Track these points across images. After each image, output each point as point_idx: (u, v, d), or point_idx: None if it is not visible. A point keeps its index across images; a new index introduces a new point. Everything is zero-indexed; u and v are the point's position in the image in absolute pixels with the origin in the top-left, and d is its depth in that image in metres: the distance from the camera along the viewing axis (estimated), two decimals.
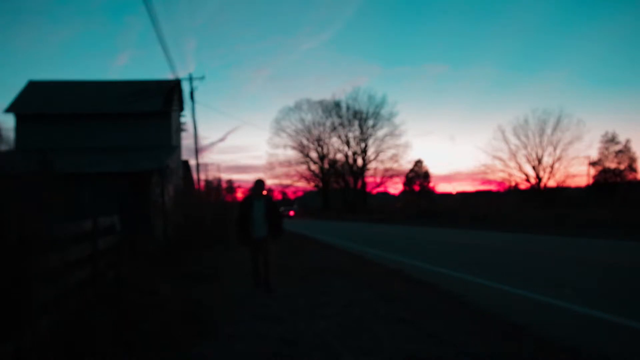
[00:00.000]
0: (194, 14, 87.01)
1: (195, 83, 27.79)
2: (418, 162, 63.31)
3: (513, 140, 54.13)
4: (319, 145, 64.07)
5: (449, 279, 8.18)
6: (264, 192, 7.36)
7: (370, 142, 62.34)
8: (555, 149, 48.20)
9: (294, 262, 10.25)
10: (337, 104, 62.32)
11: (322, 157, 64.60)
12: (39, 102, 18.40)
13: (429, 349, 4.17)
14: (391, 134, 61.67)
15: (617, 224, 20.53)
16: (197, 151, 23.20)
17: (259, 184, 7.31)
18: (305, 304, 6.12)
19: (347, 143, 62.76)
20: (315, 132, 63.61)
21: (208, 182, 20.91)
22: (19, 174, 4.36)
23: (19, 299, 3.18)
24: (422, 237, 18.86)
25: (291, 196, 75.42)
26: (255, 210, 7.08)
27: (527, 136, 49.08)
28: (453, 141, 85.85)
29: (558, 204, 34.11)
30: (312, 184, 67.26)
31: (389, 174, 62.96)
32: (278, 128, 64.24)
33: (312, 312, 5.63)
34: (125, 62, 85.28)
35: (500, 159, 50.76)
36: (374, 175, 63.60)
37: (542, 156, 48.58)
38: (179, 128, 22.06)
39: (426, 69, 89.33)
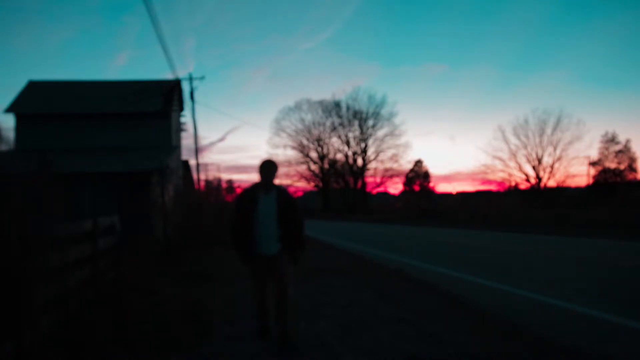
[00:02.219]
0: (192, 13, 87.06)
1: (195, 83, 27.83)
2: (418, 162, 63.35)
3: (513, 140, 54.25)
4: (319, 145, 64.14)
5: (449, 279, 8.18)
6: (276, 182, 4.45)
7: (370, 142, 62.42)
8: (555, 149, 48.25)
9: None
10: (337, 104, 62.40)
11: (322, 157, 64.64)
12: (39, 102, 18.41)
13: (429, 349, 4.17)
14: (391, 134, 61.77)
15: (617, 224, 20.54)
16: (197, 151, 23.22)
17: (268, 166, 4.36)
18: (305, 303, 6.12)
19: (347, 143, 62.81)
20: (315, 132, 63.63)
21: (208, 182, 20.92)
22: (19, 174, 4.36)
23: (19, 298, 3.18)
24: (422, 237, 18.86)
25: None
26: (261, 210, 4.25)
27: (527, 136, 49.13)
28: (453, 141, 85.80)
29: (558, 204, 34.12)
30: (312, 184, 67.26)
31: (389, 174, 63.04)
32: (278, 128, 64.29)
33: (312, 312, 5.63)
34: (125, 62, 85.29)
35: (500, 159, 50.81)
36: (374, 175, 63.68)
37: (542, 156, 48.63)
38: (179, 128, 22.07)
39: (426, 69, 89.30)
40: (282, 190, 4.42)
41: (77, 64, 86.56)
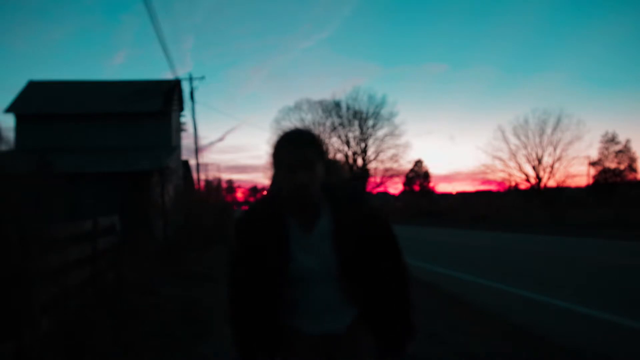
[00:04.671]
0: (190, 13, 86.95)
1: (195, 83, 27.90)
2: (418, 162, 63.39)
3: (513, 140, 54.15)
4: None
5: (449, 279, 8.18)
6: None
7: (370, 142, 62.33)
8: (555, 149, 48.13)
9: None
10: (337, 104, 62.34)
11: None
12: (39, 102, 18.41)
13: (429, 349, 4.17)
14: (391, 134, 61.67)
15: (617, 224, 20.54)
16: (197, 151, 23.23)
17: (301, 143, 1.51)
18: None
19: (347, 143, 62.76)
20: (315, 132, 63.63)
21: (208, 182, 20.95)
22: (19, 174, 4.36)
23: (19, 299, 3.18)
24: (422, 237, 18.86)
25: None
26: (298, 265, 1.51)
27: (527, 136, 49.01)
28: (453, 141, 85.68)
29: (558, 204, 34.11)
30: None
31: (389, 174, 62.97)
32: (278, 128, 64.13)
33: None
34: (124, 61, 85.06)
35: (500, 159, 50.77)
36: (374, 175, 63.68)
37: (542, 156, 48.55)
38: (179, 128, 22.07)
39: (426, 69, 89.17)
40: (352, 199, 1.62)
41: (77, 63, 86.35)
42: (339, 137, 63.18)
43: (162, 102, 18.34)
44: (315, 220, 1.54)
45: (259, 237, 1.53)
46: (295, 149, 1.46)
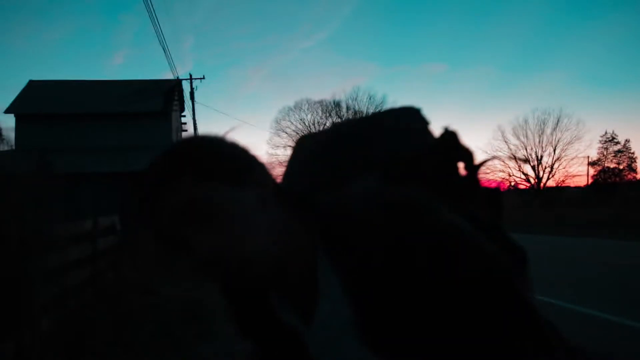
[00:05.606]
0: (190, 13, 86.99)
1: (195, 83, 27.90)
2: None
3: (513, 140, 54.24)
4: None
5: None
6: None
7: None
8: (554, 149, 48.22)
9: None
10: (337, 104, 62.23)
11: None
12: (39, 102, 18.42)
13: None
14: None
15: (617, 224, 20.54)
16: None
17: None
18: None
19: None
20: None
21: None
22: (19, 174, 4.36)
23: (19, 298, 3.18)
24: None
25: None
26: (321, 350, 0.77)
27: (526, 136, 49.09)
28: None
29: (558, 204, 34.14)
30: None
31: None
32: (278, 128, 63.97)
33: None
34: (125, 61, 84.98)
35: (500, 159, 50.74)
36: None
37: (541, 156, 48.60)
38: (179, 128, 22.09)
39: (425, 69, 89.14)
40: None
41: (77, 63, 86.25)
42: None
43: (162, 102, 18.35)
44: (310, 299, 0.78)
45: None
46: (166, 203, 0.71)
